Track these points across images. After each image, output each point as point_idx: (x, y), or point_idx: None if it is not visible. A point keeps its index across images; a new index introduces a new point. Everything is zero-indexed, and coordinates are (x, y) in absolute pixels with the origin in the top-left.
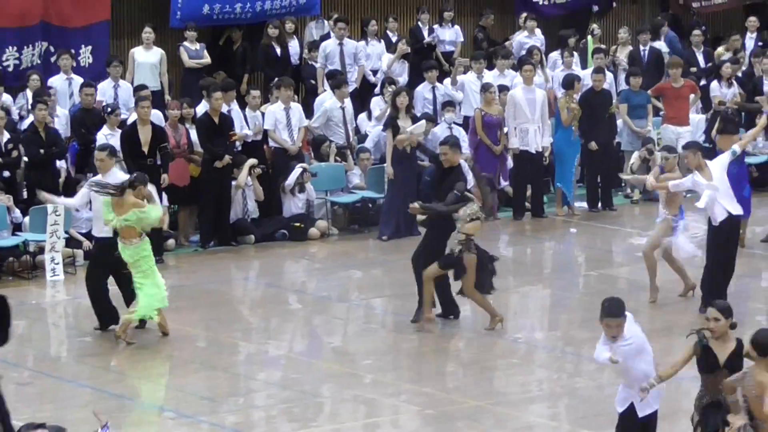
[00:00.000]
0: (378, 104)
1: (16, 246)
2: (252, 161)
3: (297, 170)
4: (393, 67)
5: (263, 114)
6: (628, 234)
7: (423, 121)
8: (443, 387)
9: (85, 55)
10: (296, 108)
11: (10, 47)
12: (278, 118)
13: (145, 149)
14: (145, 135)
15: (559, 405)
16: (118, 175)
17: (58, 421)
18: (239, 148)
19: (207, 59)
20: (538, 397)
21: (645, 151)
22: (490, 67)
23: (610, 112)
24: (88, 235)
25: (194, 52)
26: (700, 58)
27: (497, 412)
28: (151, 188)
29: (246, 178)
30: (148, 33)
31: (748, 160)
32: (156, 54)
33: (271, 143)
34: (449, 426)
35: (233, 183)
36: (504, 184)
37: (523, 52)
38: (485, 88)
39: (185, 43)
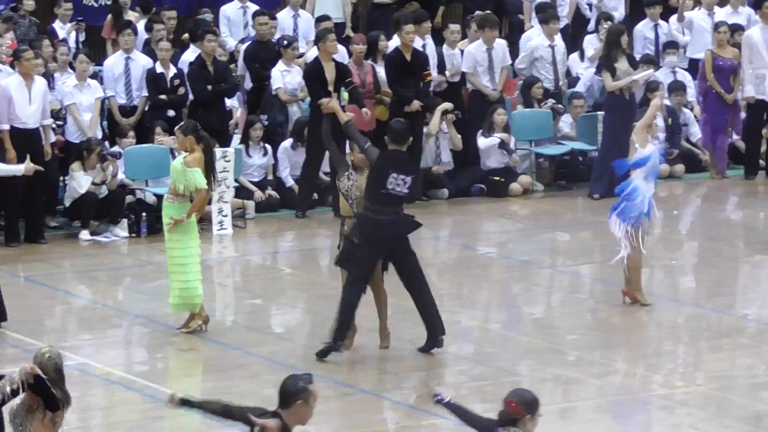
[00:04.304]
0: (592, 43)
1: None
2: (445, 106)
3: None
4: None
5: (462, 52)
6: None
7: (651, 70)
8: (658, 368)
9: None
10: (499, 47)
11: None
12: (478, 60)
13: (331, 88)
14: (330, 73)
15: None
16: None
17: (223, 392)
18: (436, 90)
19: None
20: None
21: None
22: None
23: None
24: (261, 184)
25: None
26: None
27: (720, 399)
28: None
29: (439, 124)
30: None
31: None
32: None
33: (469, 85)
34: (664, 413)
35: (425, 129)
36: (735, 138)
37: None
38: (717, 27)
39: None
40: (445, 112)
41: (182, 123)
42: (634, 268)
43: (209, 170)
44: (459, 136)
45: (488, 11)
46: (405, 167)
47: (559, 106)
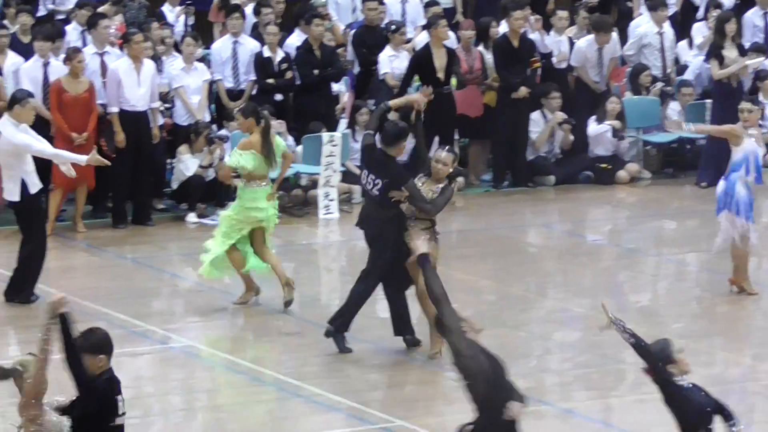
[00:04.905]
0: (700, 31)
1: (286, 179)
2: (559, 117)
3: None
4: None
5: (571, 40)
6: None
7: (762, 58)
8: (764, 358)
9: None
10: (610, 43)
11: None
12: (588, 58)
13: (441, 75)
14: (440, 59)
15: None
16: None
17: (327, 377)
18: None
19: None
20: None
21: None
22: None
23: None
24: None
25: None
26: None
27: None
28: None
29: (547, 137)
30: None
31: None
32: None
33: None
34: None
35: (532, 137)
36: None
37: None
38: None
39: None
40: (560, 123)
41: (243, 105)
42: (738, 257)
43: (268, 150)
44: (572, 137)
45: None
46: (378, 169)
47: (669, 88)
